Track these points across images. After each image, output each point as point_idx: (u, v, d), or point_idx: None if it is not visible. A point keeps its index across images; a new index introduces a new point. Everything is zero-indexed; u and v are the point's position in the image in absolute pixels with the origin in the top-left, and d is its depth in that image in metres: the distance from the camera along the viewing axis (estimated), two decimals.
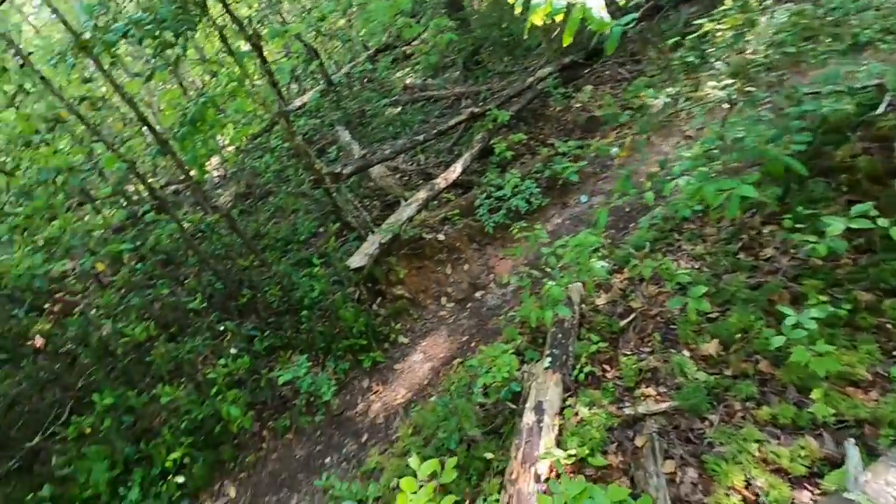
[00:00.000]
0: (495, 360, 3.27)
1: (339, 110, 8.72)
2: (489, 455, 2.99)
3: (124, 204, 6.31)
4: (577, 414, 2.85)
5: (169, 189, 8.44)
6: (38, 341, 4.73)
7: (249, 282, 5.28)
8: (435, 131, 6.82)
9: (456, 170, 6.31)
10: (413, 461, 2.28)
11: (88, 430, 4.14)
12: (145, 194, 5.82)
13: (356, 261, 4.95)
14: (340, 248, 5.54)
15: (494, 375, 3.15)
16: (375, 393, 4.49)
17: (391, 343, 4.94)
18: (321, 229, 6.33)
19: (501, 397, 3.20)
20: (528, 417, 2.87)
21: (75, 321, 4.80)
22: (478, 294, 5.19)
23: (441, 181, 6.13)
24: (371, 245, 5.13)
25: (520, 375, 3.32)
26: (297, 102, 9.47)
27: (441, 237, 5.68)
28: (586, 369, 3.14)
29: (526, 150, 6.74)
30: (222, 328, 4.87)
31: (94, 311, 5.06)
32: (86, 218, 5.79)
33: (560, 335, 3.41)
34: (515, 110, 7.08)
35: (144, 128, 5.92)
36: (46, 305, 4.92)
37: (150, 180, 5.19)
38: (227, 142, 8.47)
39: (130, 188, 6.54)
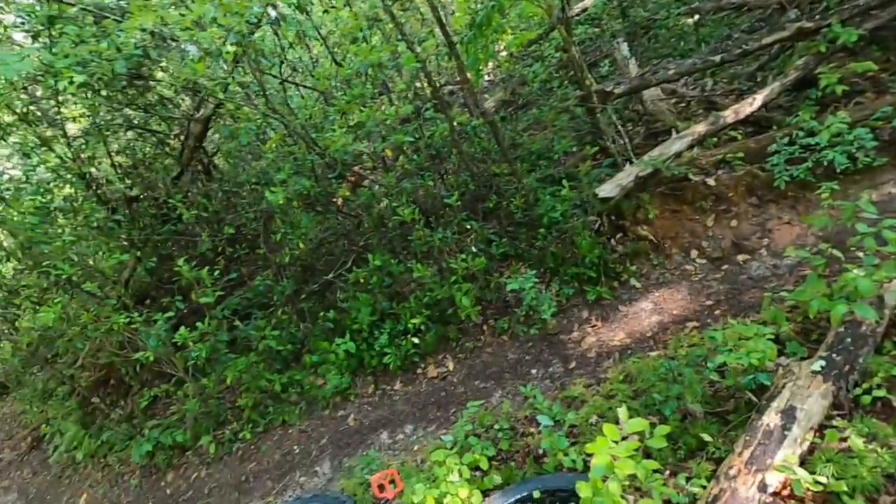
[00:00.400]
0: (745, 341, 2.81)
1: (624, 19, 7.84)
2: (706, 437, 2.70)
3: (411, 100, 7.19)
4: (844, 440, 2.29)
5: (446, 90, 9.22)
6: (339, 202, 6.08)
7: (497, 189, 5.59)
8: (739, 51, 5.57)
9: (754, 102, 5.15)
10: (622, 412, 2.22)
11: (362, 280, 5.27)
12: (428, 93, 6.49)
13: (606, 189, 4.69)
14: (591, 171, 5.30)
15: (739, 357, 2.72)
16: (593, 327, 4.45)
17: (621, 283, 4.70)
18: (575, 149, 6.13)
19: (742, 384, 2.77)
20: (771, 419, 2.44)
21: (364, 193, 5.95)
22: (740, 257, 4.41)
23: (729, 114, 5.11)
24: (626, 176, 4.75)
25: (773, 367, 2.80)
26: (578, 7, 8.87)
27: (711, 182, 4.87)
28: (877, 392, 2.44)
29: (871, 85, 5.01)
30: (468, 226, 5.37)
31: (377, 188, 6.16)
32: (382, 108, 6.84)
33: (849, 339, 2.68)
34: (870, 28, 5.19)
35: (437, 29, 6.46)
36: (347, 175, 6.20)
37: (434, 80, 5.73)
38: (502, 47, 8.61)
39: (418, 85, 7.36)
